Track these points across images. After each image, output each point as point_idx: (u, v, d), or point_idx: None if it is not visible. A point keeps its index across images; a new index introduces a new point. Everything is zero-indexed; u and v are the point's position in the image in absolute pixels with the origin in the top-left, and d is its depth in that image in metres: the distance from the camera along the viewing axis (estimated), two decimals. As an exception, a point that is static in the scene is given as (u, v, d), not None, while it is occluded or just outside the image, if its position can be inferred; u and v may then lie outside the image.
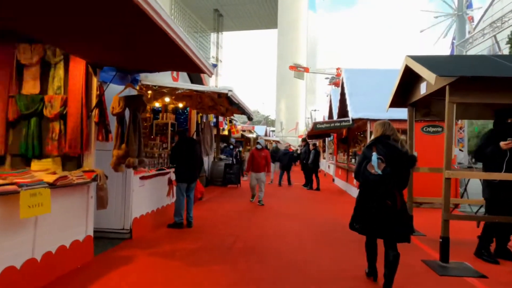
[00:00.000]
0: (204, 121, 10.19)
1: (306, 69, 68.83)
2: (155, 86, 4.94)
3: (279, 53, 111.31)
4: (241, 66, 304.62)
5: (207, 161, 12.75)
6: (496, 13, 19.66)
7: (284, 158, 13.62)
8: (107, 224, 5.02)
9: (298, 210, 8.14)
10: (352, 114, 9.14)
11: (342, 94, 11.41)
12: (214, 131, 13.88)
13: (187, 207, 5.90)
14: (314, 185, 12.46)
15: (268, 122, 75.08)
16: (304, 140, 14.41)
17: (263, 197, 8.75)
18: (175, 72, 6.92)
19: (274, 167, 14.03)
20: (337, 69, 55.93)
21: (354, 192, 10.91)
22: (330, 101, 15.22)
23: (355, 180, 11.61)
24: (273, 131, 56.61)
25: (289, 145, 19.06)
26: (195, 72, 5.41)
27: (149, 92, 5.30)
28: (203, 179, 11.38)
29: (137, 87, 4.72)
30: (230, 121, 12.79)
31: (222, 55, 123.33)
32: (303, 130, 58.34)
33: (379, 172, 3.26)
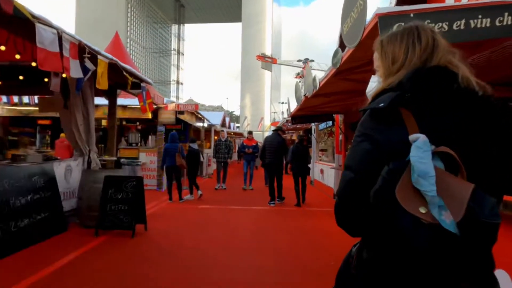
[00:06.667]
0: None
1: (274, 60, 63.39)
2: None
3: (243, 46, 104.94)
4: (205, 60, 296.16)
5: (74, 169, 5.82)
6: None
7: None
8: None
9: None
10: None
11: None
12: (100, 111, 7.02)
13: None
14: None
15: (233, 117, 68.55)
16: (280, 129, 8.25)
17: None
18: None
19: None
20: (306, 62, 50.79)
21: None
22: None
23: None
24: (238, 127, 49.87)
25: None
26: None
27: None
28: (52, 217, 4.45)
29: None
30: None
31: (184, 48, 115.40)
32: (267, 125, 52.40)
33: (447, 220, 0.62)
